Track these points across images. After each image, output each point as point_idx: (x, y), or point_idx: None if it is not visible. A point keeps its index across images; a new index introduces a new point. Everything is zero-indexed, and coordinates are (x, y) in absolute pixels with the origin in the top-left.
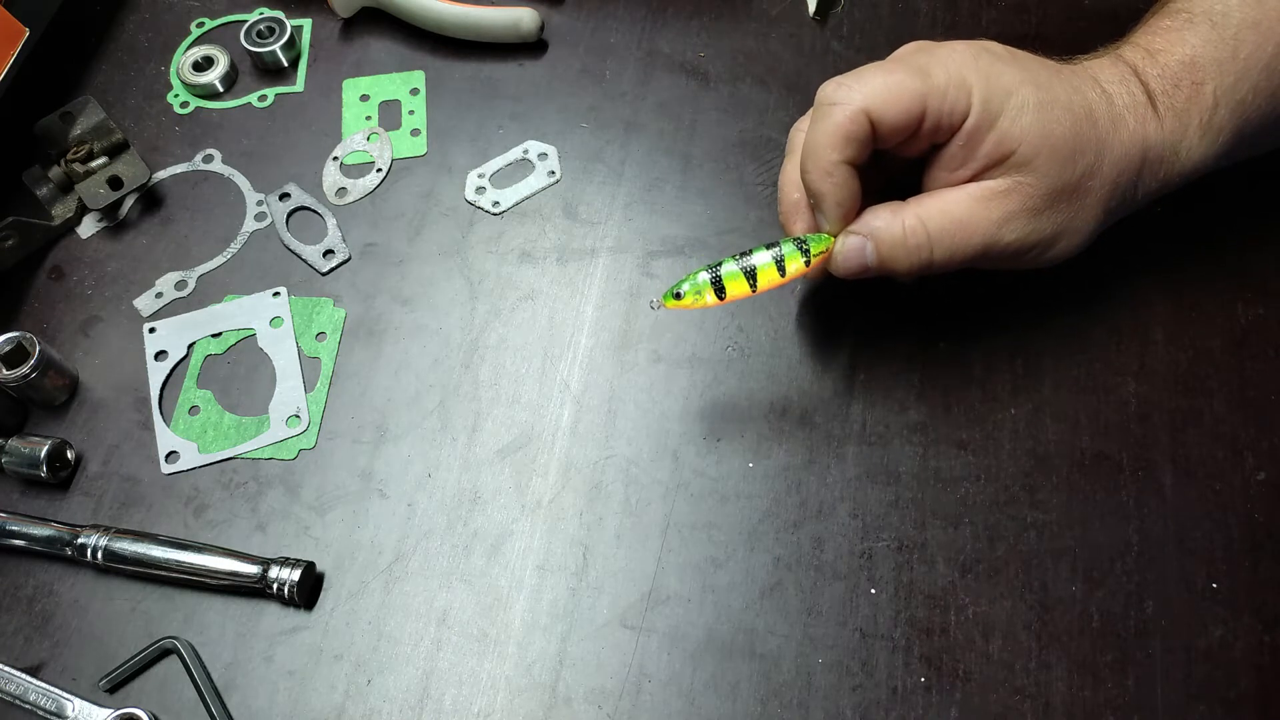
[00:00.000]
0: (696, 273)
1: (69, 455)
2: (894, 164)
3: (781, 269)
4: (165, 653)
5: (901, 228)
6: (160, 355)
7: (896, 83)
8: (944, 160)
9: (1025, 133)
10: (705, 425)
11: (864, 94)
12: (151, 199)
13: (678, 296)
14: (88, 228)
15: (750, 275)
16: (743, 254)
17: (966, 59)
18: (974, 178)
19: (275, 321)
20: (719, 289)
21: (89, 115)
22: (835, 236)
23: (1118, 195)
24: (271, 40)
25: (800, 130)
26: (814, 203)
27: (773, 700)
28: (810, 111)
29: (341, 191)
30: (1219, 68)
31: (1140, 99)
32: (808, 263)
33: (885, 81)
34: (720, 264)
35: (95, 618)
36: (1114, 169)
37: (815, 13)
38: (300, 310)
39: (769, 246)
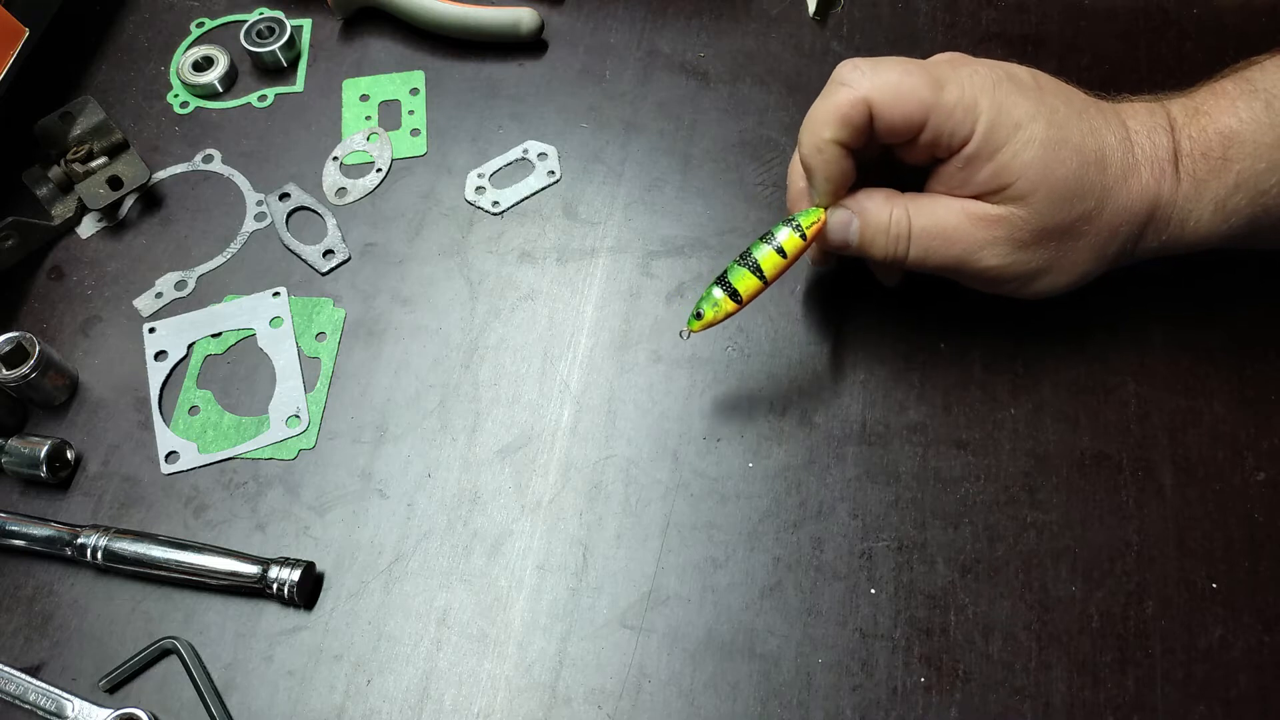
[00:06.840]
0: (709, 289)
1: (69, 455)
2: (902, 164)
3: (782, 252)
4: (165, 653)
5: (889, 215)
6: (160, 355)
7: (908, 86)
8: (943, 176)
9: (1025, 168)
10: (705, 425)
11: (872, 84)
12: (151, 199)
13: (699, 317)
14: (88, 228)
15: (755, 270)
16: (742, 255)
17: (985, 83)
18: (970, 198)
19: (275, 321)
20: (733, 295)
21: (89, 115)
22: (825, 209)
23: (1116, 244)
24: (271, 40)
25: None
26: (806, 175)
27: (773, 700)
28: None
29: (341, 191)
30: (1254, 151)
31: (1164, 154)
32: (803, 237)
33: (898, 80)
34: (726, 271)
35: (95, 618)
36: (1116, 217)
37: (815, 13)
38: (300, 310)
39: (764, 239)
